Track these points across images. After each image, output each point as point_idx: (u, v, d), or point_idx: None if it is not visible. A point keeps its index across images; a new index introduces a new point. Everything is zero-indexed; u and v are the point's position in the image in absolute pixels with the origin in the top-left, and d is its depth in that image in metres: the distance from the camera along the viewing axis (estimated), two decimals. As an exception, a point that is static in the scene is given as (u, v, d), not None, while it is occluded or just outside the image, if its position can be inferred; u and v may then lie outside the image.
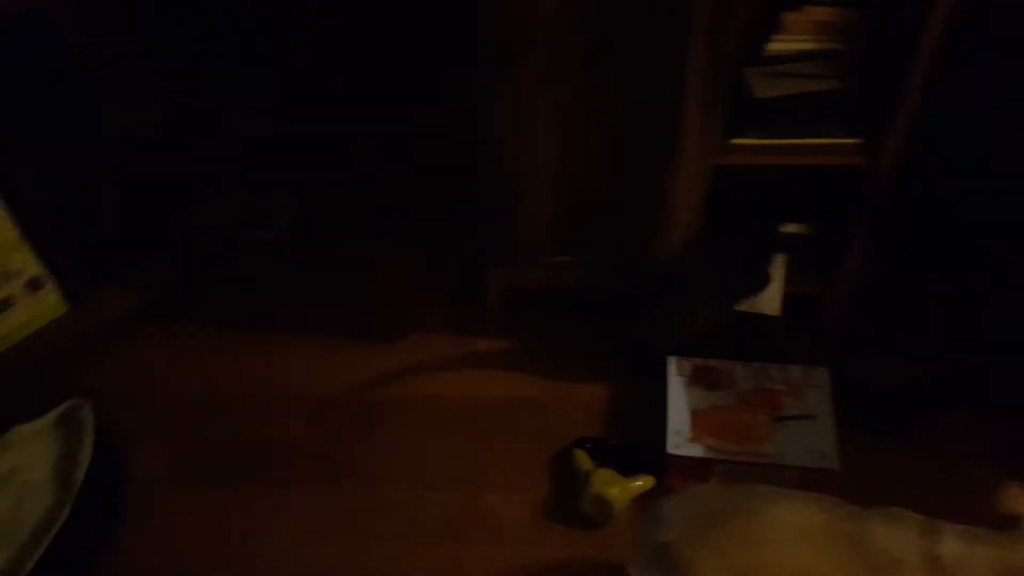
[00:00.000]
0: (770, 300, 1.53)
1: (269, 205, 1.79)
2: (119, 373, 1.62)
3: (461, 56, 1.25)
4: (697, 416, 1.41)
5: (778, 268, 1.56)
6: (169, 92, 1.67)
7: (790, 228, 1.57)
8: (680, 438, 1.38)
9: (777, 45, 1.35)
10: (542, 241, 1.46)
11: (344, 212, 1.83)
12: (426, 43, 1.56)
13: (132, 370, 1.63)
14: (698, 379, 1.46)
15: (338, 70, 1.70)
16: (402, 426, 1.53)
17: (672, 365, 1.48)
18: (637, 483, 1.38)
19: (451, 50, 1.26)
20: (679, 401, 1.43)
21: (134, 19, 1.58)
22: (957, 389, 1.51)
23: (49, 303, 1.60)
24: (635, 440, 1.45)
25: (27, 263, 1.54)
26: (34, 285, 1.57)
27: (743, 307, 1.52)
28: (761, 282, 1.51)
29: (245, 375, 1.61)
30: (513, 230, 1.42)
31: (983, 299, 1.59)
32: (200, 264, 1.78)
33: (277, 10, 1.63)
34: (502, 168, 1.34)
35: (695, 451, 1.36)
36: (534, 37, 1.17)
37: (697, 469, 1.37)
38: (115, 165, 1.63)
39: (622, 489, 1.36)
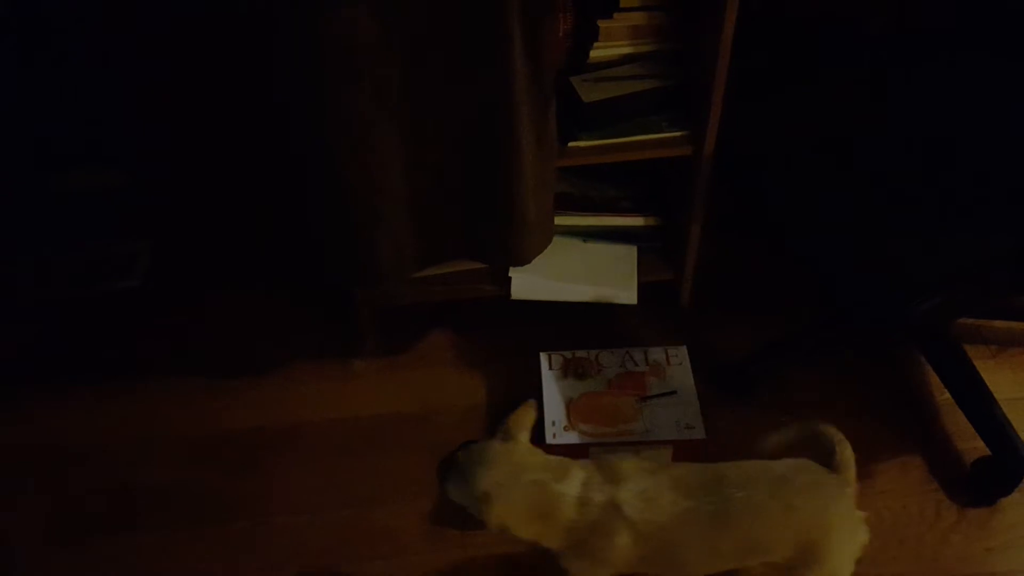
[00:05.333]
0: (627, 291, 1.63)
1: (121, 255, 1.77)
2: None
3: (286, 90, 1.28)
4: (570, 405, 1.48)
5: (631, 259, 1.67)
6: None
7: (638, 220, 1.68)
8: (557, 428, 1.45)
9: (598, 52, 1.44)
10: (403, 259, 1.50)
11: (203, 253, 1.82)
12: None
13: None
14: (568, 370, 1.54)
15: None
16: (284, 456, 1.53)
17: (543, 360, 1.55)
18: (521, 478, 1.44)
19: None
20: (552, 393, 1.50)
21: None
22: (805, 346, 1.64)
23: None
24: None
25: None
26: None
27: (602, 300, 1.61)
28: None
29: (115, 424, 1.59)
30: (371, 253, 1.46)
31: (814, 263, 1.73)
32: (57, 321, 1.73)
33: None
34: (348, 195, 1.37)
35: (571, 438, 1.43)
36: (358, 61, 1.21)
37: (575, 454, 1.43)
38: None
39: (506, 485, 1.41)
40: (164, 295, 1.77)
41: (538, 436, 1.43)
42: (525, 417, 1.18)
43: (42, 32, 1.53)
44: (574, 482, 1.13)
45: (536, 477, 1.12)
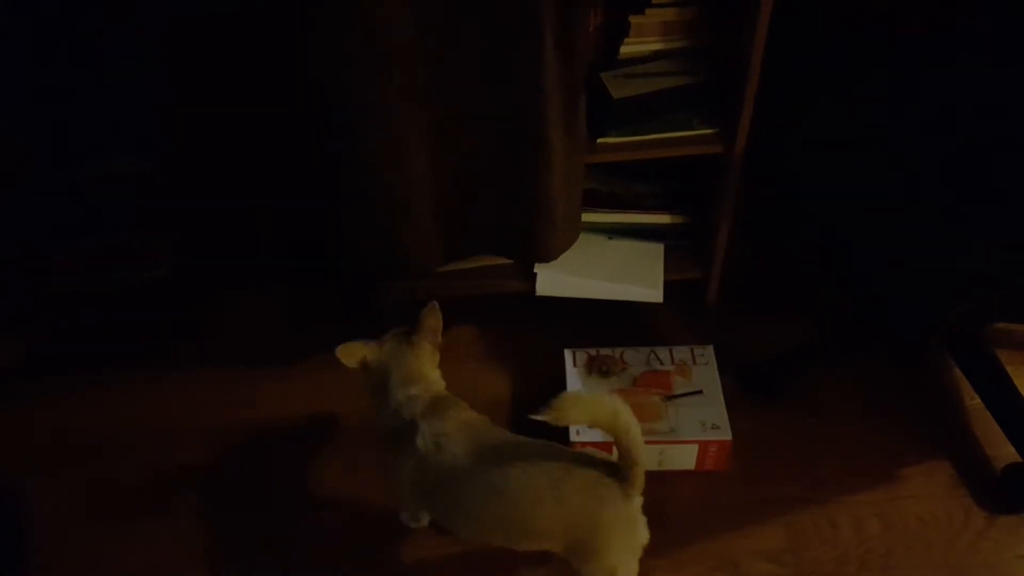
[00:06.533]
0: (653, 289, 1.62)
1: (148, 246, 1.79)
2: (10, 425, 1.59)
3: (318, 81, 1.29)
4: (595, 403, 1.47)
5: (658, 257, 1.66)
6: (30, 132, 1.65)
7: (665, 218, 1.67)
8: (580, 425, 1.44)
9: (629, 48, 1.43)
10: (429, 252, 1.50)
11: (231, 244, 1.84)
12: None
13: (24, 421, 1.60)
14: (592, 368, 1.53)
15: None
16: (309, 447, 1.54)
17: (567, 357, 1.54)
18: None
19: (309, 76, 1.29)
20: (577, 390, 1.49)
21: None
22: (834, 347, 1.62)
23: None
24: (539, 432, 1.51)
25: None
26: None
27: (627, 298, 1.60)
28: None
29: (143, 411, 1.60)
30: (398, 244, 1.46)
31: (848, 265, 1.71)
32: (85, 310, 1.76)
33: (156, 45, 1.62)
34: (375, 186, 1.37)
35: (595, 436, 1.42)
36: (387, 52, 1.21)
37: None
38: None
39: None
40: (191, 286, 1.79)
41: (562, 433, 1.43)
42: (431, 320, 1.32)
43: (77, 24, 1.54)
44: (405, 390, 1.26)
45: (395, 368, 1.28)
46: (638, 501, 1.18)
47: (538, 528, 1.19)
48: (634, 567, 1.21)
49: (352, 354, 1.29)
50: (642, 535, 1.20)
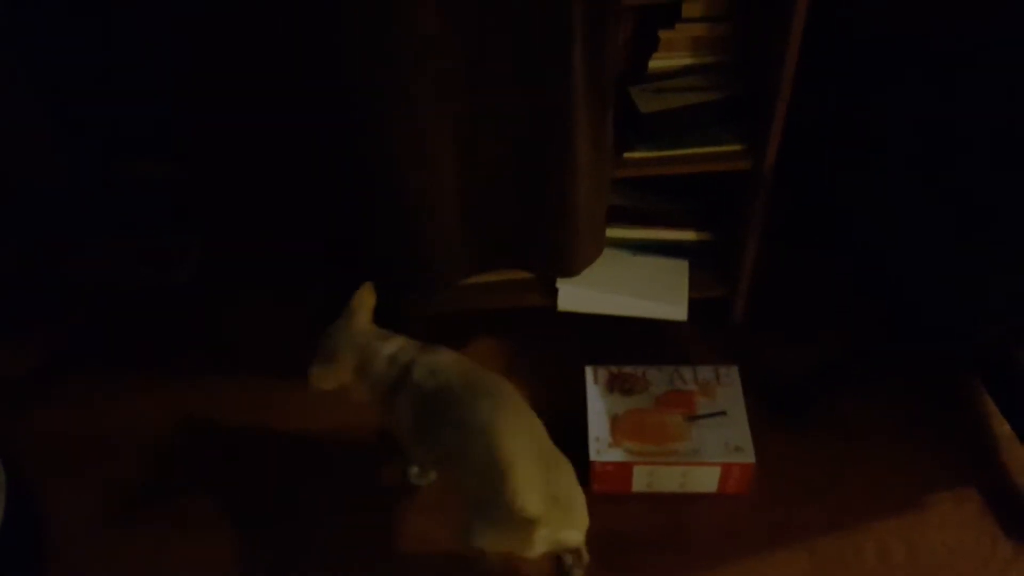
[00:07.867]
0: (676, 307, 1.60)
1: (173, 249, 1.78)
2: (31, 425, 1.59)
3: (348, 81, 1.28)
4: (615, 421, 1.45)
5: (682, 274, 1.64)
6: (61, 130, 1.65)
7: (690, 234, 1.65)
8: (601, 444, 1.42)
9: (658, 62, 1.42)
10: (453, 262, 1.48)
11: (251, 249, 1.83)
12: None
13: (45, 421, 1.60)
14: (614, 386, 1.51)
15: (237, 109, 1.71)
16: (326, 459, 1.53)
17: (588, 374, 1.52)
18: (563, 493, 1.43)
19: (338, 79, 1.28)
20: (597, 408, 1.47)
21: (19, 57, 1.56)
22: (862, 369, 1.60)
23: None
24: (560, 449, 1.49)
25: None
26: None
27: (650, 315, 1.58)
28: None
29: (161, 419, 1.60)
30: (421, 253, 1.45)
31: (883, 281, 1.68)
32: (107, 311, 1.76)
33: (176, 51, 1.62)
34: (402, 194, 1.37)
35: (616, 455, 1.41)
36: (419, 55, 1.21)
37: (619, 472, 1.41)
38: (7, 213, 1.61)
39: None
40: (213, 290, 1.79)
41: (582, 451, 1.42)
42: (365, 297, 1.34)
43: (107, 20, 1.55)
44: (391, 346, 1.31)
45: (363, 340, 1.31)
46: (552, 535, 1.19)
47: (469, 457, 1.21)
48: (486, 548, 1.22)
49: (326, 379, 1.31)
50: (529, 553, 1.20)
